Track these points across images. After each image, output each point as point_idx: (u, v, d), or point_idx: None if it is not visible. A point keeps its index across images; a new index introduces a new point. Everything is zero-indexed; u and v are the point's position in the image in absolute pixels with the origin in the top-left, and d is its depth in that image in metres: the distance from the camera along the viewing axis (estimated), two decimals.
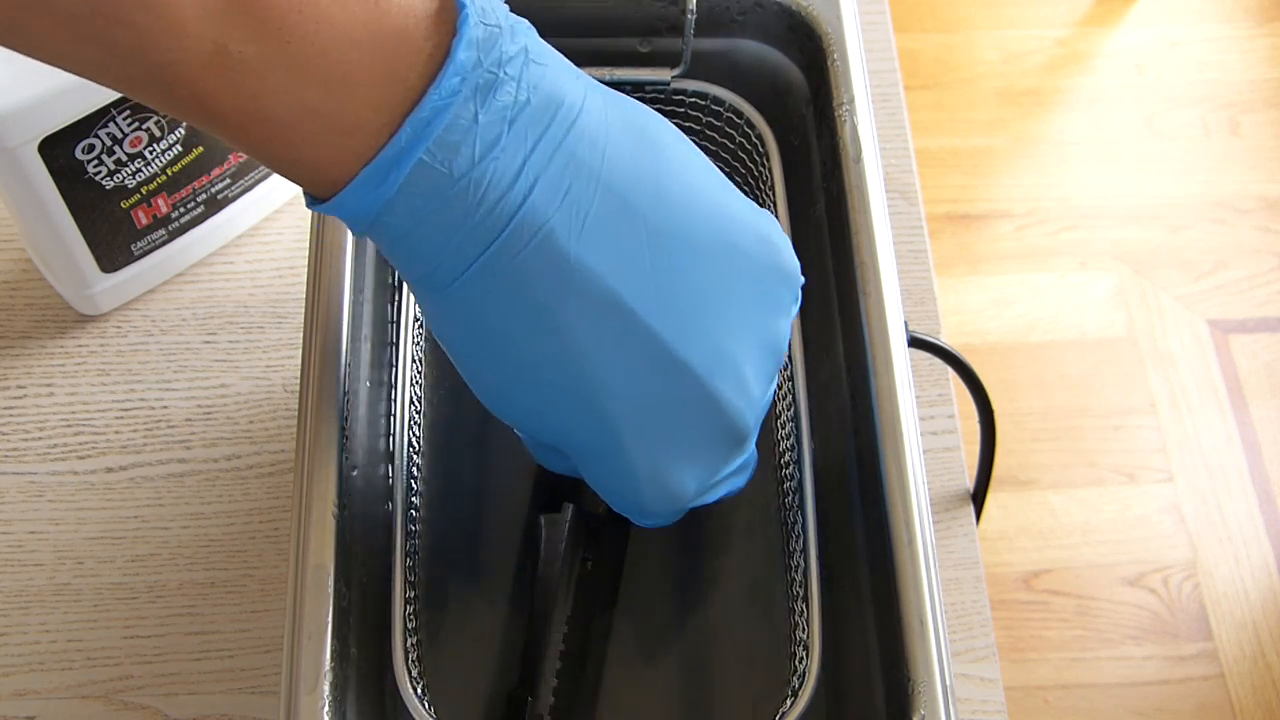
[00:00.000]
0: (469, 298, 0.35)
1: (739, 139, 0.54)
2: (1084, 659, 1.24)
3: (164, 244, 0.58)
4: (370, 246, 0.47)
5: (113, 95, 0.50)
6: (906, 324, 0.45)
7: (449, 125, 0.32)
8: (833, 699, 0.46)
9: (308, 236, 0.46)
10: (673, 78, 0.52)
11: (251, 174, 0.59)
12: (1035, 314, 1.43)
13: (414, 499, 0.47)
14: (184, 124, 0.54)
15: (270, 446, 0.57)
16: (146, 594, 0.54)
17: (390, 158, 0.32)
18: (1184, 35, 1.64)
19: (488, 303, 0.35)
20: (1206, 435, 1.36)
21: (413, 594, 0.45)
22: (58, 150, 0.51)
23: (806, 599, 0.45)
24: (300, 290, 0.60)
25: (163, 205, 0.57)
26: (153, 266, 0.59)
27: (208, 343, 0.59)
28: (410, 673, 0.42)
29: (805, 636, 0.44)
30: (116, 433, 0.57)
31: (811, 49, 0.51)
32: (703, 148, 0.51)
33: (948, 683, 0.39)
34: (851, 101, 0.48)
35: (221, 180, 0.58)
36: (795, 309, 0.40)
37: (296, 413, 0.42)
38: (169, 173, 0.55)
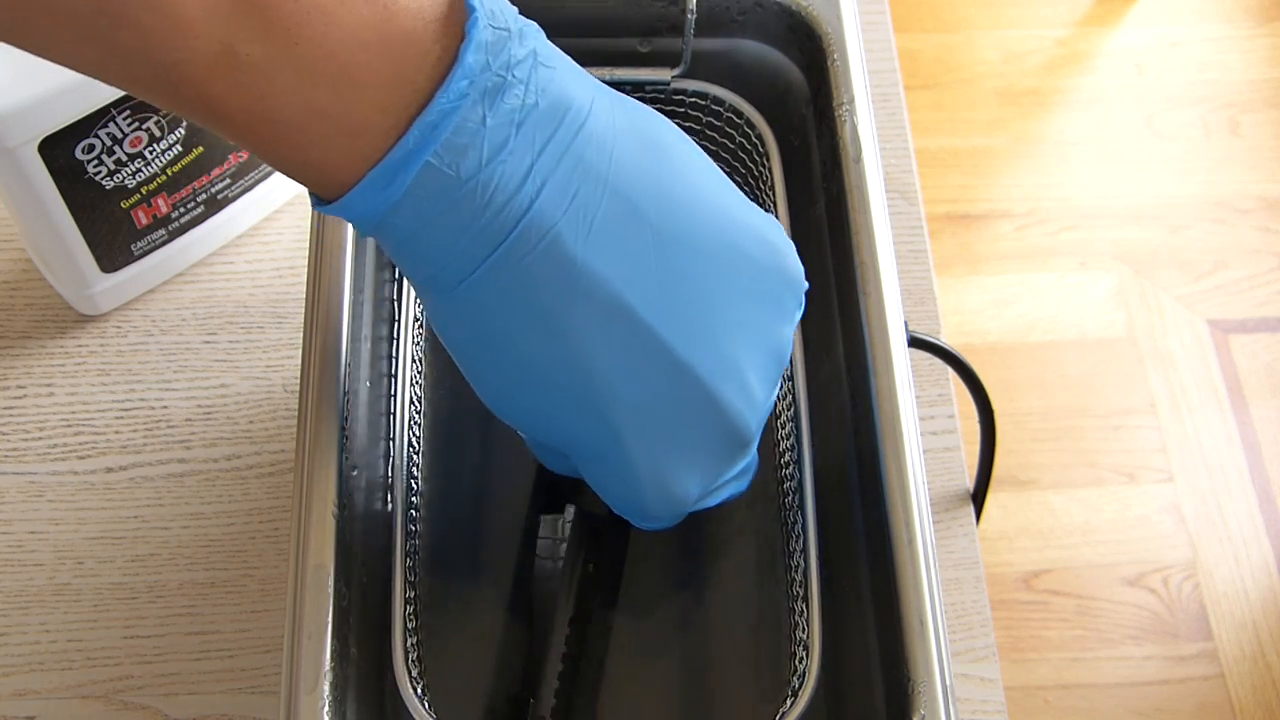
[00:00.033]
0: (474, 300, 0.35)
1: (739, 139, 0.54)
2: (1084, 659, 1.24)
3: (164, 244, 0.58)
4: (370, 246, 0.47)
5: (113, 95, 0.50)
6: (906, 324, 0.45)
7: (457, 128, 0.32)
8: (833, 699, 0.46)
9: (308, 236, 0.46)
10: (673, 78, 0.52)
11: (251, 174, 0.59)
12: (1035, 314, 1.43)
13: (414, 499, 0.47)
14: (184, 124, 0.54)
15: (270, 446, 0.57)
16: (146, 594, 0.54)
17: (397, 160, 0.32)
18: (1184, 35, 1.64)
19: (493, 305, 0.35)
20: (1206, 435, 1.36)
21: (413, 594, 0.45)
22: (58, 150, 0.51)
23: (806, 599, 0.45)
24: (300, 290, 0.60)
25: (163, 205, 0.57)
26: (153, 266, 0.59)
27: (208, 343, 0.59)
28: (410, 673, 0.42)
29: (805, 636, 0.44)
30: (116, 433, 0.57)
31: (811, 49, 0.51)
32: (703, 148, 0.51)
33: (948, 683, 0.39)
34: (851, 101, 0.48)
35: (221, 180, 0.58)
36: (799, 314, 0.40)
37: (296, 413, 0.42)
38: (169, 173, 0.55)
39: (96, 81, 0.49)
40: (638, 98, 0.47)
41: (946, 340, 0.54)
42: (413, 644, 0.44)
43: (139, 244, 0.57)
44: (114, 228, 0.56)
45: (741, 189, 0.51)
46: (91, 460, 0.56)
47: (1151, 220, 1.49)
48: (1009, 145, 1.55)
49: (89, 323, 0.59)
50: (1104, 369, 1.39)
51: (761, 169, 0.53)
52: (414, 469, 0.48)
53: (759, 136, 0.53)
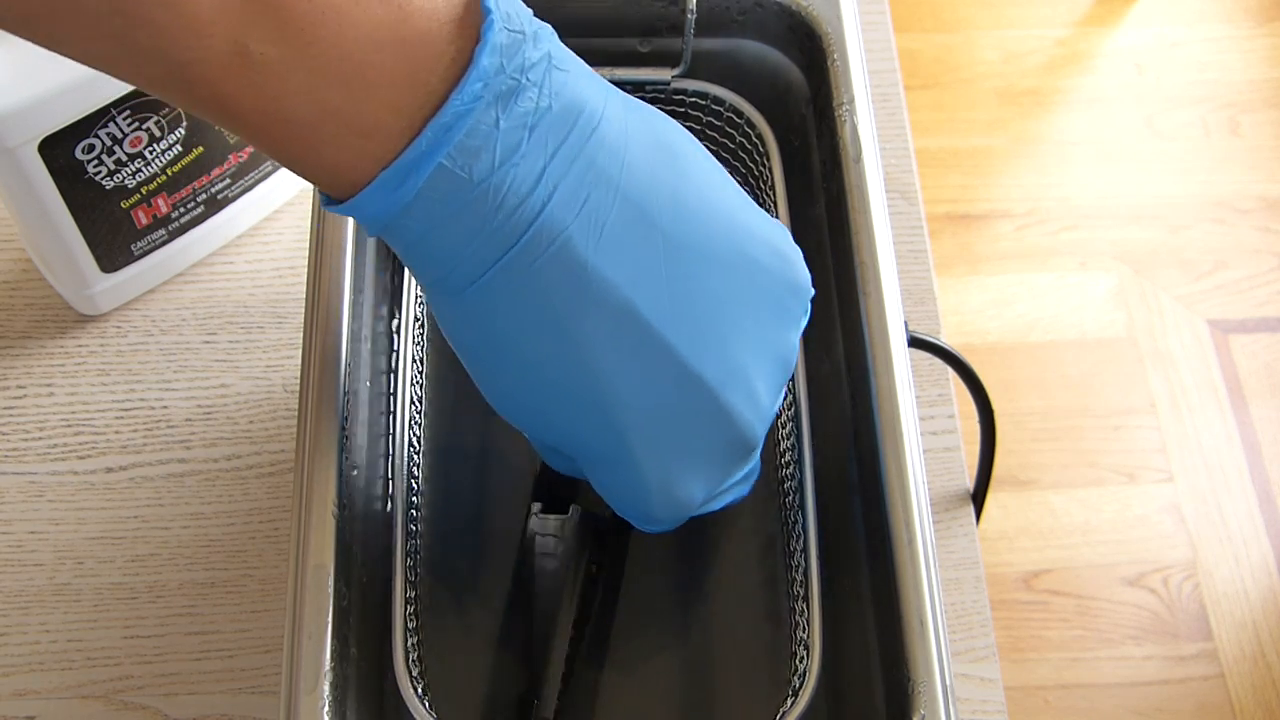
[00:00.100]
0: (484, 303, 0.35)
1: (739, 139, 0.54)
2: (1084, 659, 1.24)
3: (164, 244, 0.58)
4: (370, 246, 0.47)
5: (113, 95, 0.50)
6: (906, 324, 0.45)
7: (470, 130, 0.32)
8: (833, 699, 0.46)
9: (308, 236, 0.46)
10: (673, 78, 0.52)
11: (251, 174, 0.59)
12: (1035, 314, 1.43)
13: (414, 499, 0.47)
14: (184, 124, 0.54)
15: (270, 446, 0.57)
16: (146, 594, 0.54)
17: (410, 161, 0.32)
18: (1184, 35, 1.64)
19: (502, 309, 0.35)
20: (1206, 435, 1.36)
21: (413, 594, 0.45)
22: (58, 150, 0.51)
23: (806, 599, 0.45)
24: (300, 290, 0.60)
25: (163, 205, 0.57)
26: (153, 266, 0.59)
27: (208, 343, 0.59)
28: (410, 673, 0.42)
29: (805, 636, 0.44)
30: (116, 433, 0.57)
31: (811, 49, 0.51)
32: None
33: (948, 683, 0.39)
34: (851, 101, 0.48)
35: (221, 180, 0.58)
36: (805, 321, 0.40)
37: (296, 413, 0.42)
38: (169, 173, 0.55)
39: (96, 81, 0.49)
40: (637, 98, 0.48)
41: (946, 340, 0.54)
42: (413, 644, 0.44)
43: (139, 244, 0.57)
44: (114, 228, 0.56)
45: (741, 188, 0.51)
46: (91, 460, 0.56)
47: (1151, 220, 1.49)
48: (1009, 145, 1.55)
49: (89, 323, 0.59)
50: (1104, 369, 1.39)
51: (761, 169, 0.53)
52: (414, 469, 0.48)
53: (759, 136, 0.53)
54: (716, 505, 0.41)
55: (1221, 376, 1.39)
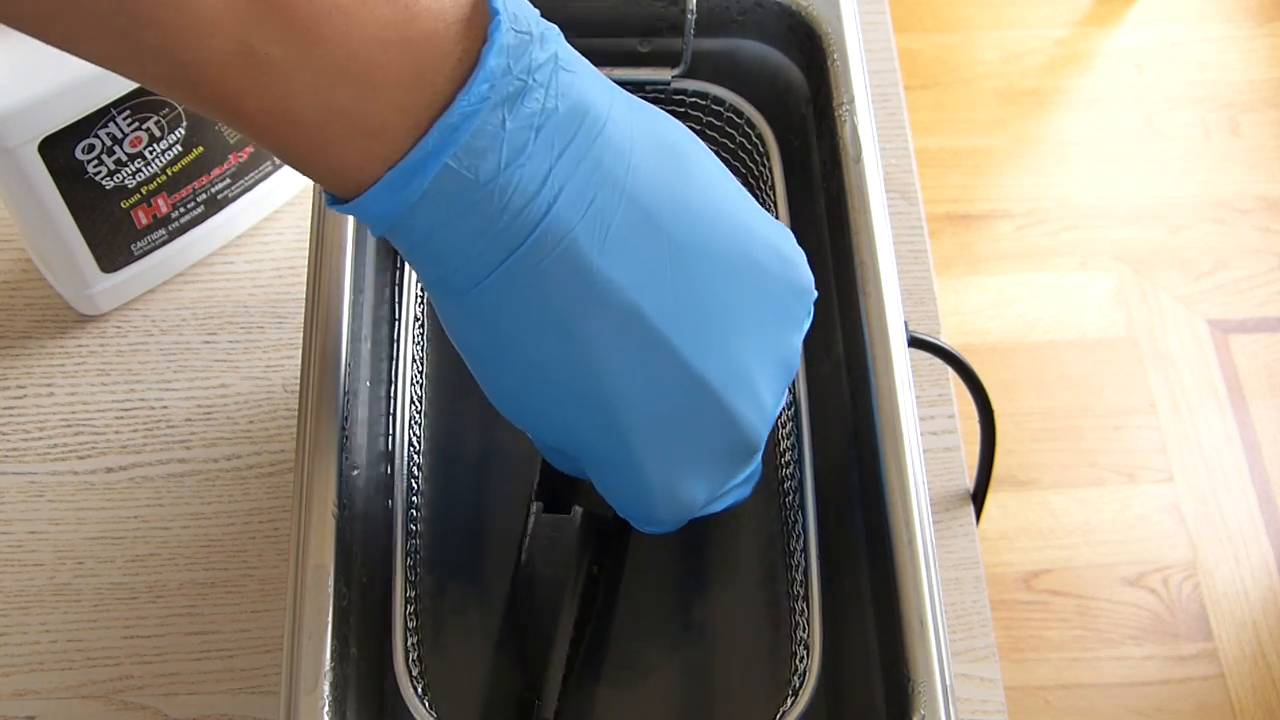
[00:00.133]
0: (488, 304, 0.35)
1: (739, 139, 0.54)
2: (1084, 659, 1.24)
3: (164, 244, 0.58)
4: (370, 247, 0.47)
5: (113, 95, 0.50)
6: (906, 324, 0.45)
7: (476, 131, 0.32)
8: (833, 699, 0.46)
9: (308, 236, 0.46)
10: (673, 78, 0.52)
11: (251, 174, 0.59)
12: (1035, 314, 1.43)
13: (414, 499, 0.47)
14: (184, 124, 0.54)
15: (270, 446, 0.57)
16: (146, 594, 0.54)
17: (416, 161, 0.32)
18: (1184, 35, 1.64)
19: (507, 310, 0.35)
20: (1206, 435, 1.36)
21: (413, 594, 0.45)
22: (58, 150, 0.51)
23: (807, 599, 0.45)
24: (300, 290, 0.60)
25: (163, 205, 0.57)
26: (153, 266, 0.59)
27: (208, 343, 0.59)
28: (410, 672, 0.42)
29: (805, 636, 0.44)
30: (116, 433, 0.57)
31: (811, 49, 0.51)
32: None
33: (948, 683, 0.39)
34: (851, 101, 0.48)
35: (221, 180, 0.58)
36: (808, 324, 0.40)
37: (296, 413, 0.42)
38: (169, 173, 0.55)
39: (96, 81, 0.49)
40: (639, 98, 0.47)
41: (946, 340, 0.54)
42: (413, 644, 0.44)
43: (139, 244, 0.57)
44: (114, 228, 0.56)
45: (745, 190, 0.51)
46: (91, 460, 0.56)
47: (1151, 220, 1.49)
48: (1009, 145, 1.55)
49: (89, 323, 0.59)
50: (1104, 369, 1.39)
51: (761, 169, 0.53)
52: (414, 469, 0.48)
53: (759, 136, 0.53)
54: (718, 507, 0.41)
55: (1221, 376, 1.39)
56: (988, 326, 1.42)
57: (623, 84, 0.51)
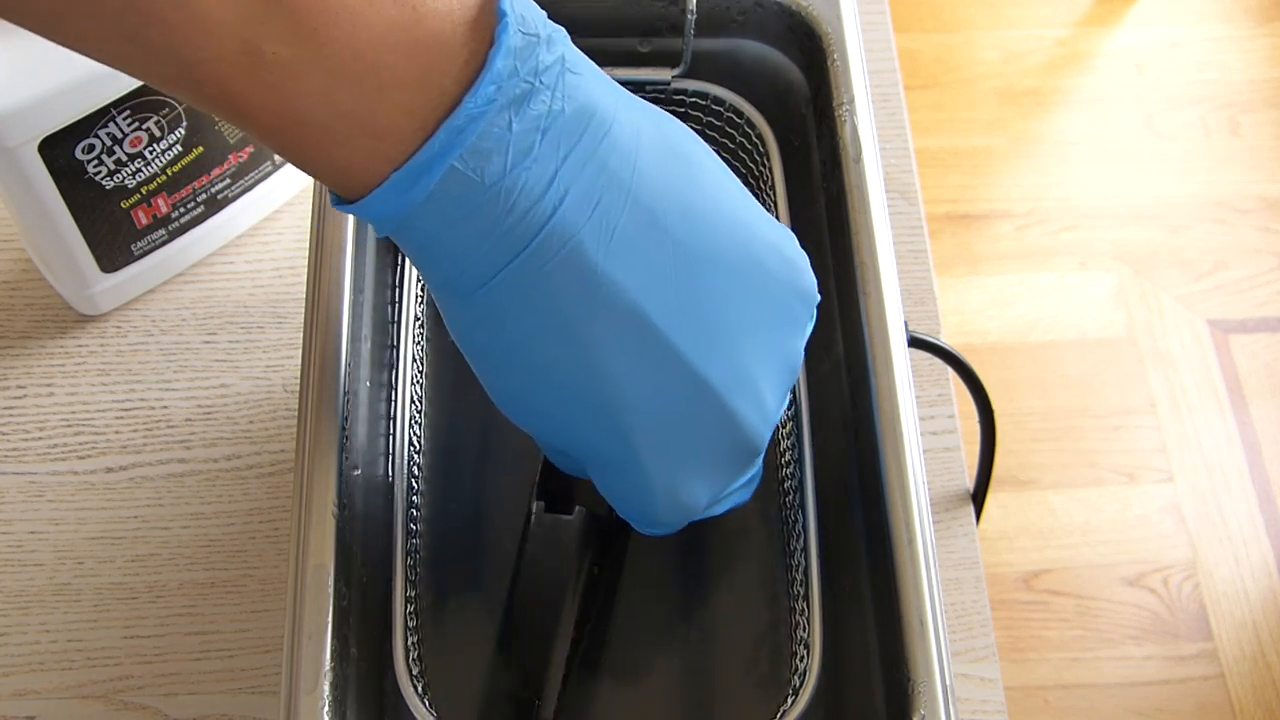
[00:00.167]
0: (493, 305, 0.35)
1: (739, 139, 0.54)
2: (1084, 659, 1.24)
3: (164, 244, 0.58)
4: (370, 247, 0.47)
5: (113, 95, 0.50)
6: (906, 324, 0.45)
7: (483, 133, 0.32)
8: (833, 699, 0.46)
9: (308, 236, 0.46)
10: (673, 78, 0.52)
11: (251, 174, 0.59)
12: (1035, 314, 1.43)
13: (415, 498, 0.47)
14: (184, 124, 0.54)
15: (270, 446, 0.57)
16: (146, 594, 0.54)
17: (422, 163, 0.32)
18: (1184, 35, 1.64)
19: (512, 311, 0.35)
20: (1206, 435, 1.36)
21: (413, 594, 0.45)
22: (58, 150, 0.51)
23: (807, 599, 0.45)
24: (300, 290, 0.60)
25: (163, 205, 0.57)
26: (153, 266, 0.59)
27: (208, 343, 0.59)
28: (410, 672, 0.42)
29: (805, 636, 0.44)
30: (116, 433, 0.57)
31: (811, 49, 0.51)
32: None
33: (948, 683, 0.39)
34: (851, 101, 0.48)
35: (221, 180, 0.58)
36: (810, 327, 0.40)
37: (296, 413, 0.42)
38: (169, 173, 0.55)
39: (96, 81, 0.49)
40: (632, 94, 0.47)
41: (946, 340, 0.54)
42: (413, 644, 0.44)
43: (139, 244, 0.57)
44: (114, 228, 0.56)
45: (749, 193, 0.51)
46: (91, 460, 0.56)
47: (1151, 220, 1.50)
48: (1009, 145, 1.55)
49: (89, 323, 0.59)
50: (1104, 369, 1.39)
51: (761, 169, 0.53)
52: (414, 469, 0.48)
53: (759, 136, 0.53)
54: (719, 510, 0.41)
55: (1221, 376, 1.39)
56: (988, 326, 1.42)
57: (623, 84, 0.51)
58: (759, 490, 0.50)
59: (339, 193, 0.34)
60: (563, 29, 0.34)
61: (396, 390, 0.48)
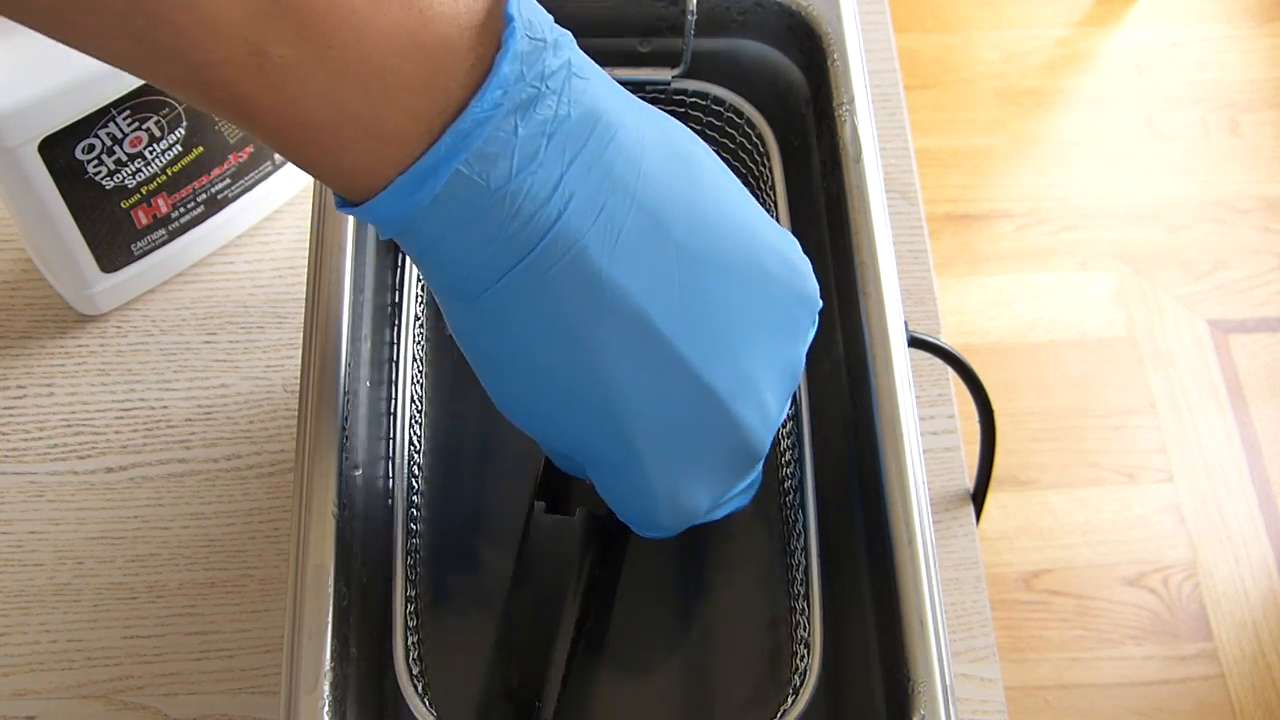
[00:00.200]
0: (497, 309, 0.35)
1: (739, 139, 0.54)
2: (1084, 659, 1.24)
3: (164, 244, 0.58)
4: (370, 247, 0.47)
5: (113, 95, 0.50)
6: (906, 324, 0.45)
7: (489, 138, 0.32)
8: (833, 699, 0.46)
9: (308, 236, 0.46)
10: (673, 78, 0.52)
11: (251, 174, 0.59)
12: (1035, 314, 1.43)
13: (415, 498, 0.47)
14: (184, 124, 0.54)
15: (270, 446, 0.57)
16: (146, 594, 0.54)
17: (428, 167, 0.32)
18: (1184, 35, 1.64)
19: (516, 315, 0.35)
20: (1206, 435, 1.36)
21: (413, 594, 0.45)
22: (58, 150, 0.51)
23: (807, 599, 0.45)
24: (300, 290, 0.60)
25: (163, 205, 0.57)
26: (153, 266, 0.59)
27: (208, 343, 0.59)
28: (410, 672, 0.42)
29: (805, 636, 0.44)
30: (116, 433, 0.57)
31: (811, 49, 0.51)
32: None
33: (948, 683, 0.39)
34: (851, 101, 0.48)
35: (221, 180, 0.58)
36: (813, 333, 0.40)
37: (296, 413, 0.42)
38: (169, 173, 0.55)
39: (96, 81, 0.49)
40: (637, 97, 0.47)
41: (946, 340, 0.54)
42: (413, 644, 0.44)
43: (139, 244, 0.57)
44: (114, 228, 0.56)
45: (753, 197, 0.51)
46: (91, 460, 0.56)
47: (1151, 220, 1.49)
48: (1009, 145, 1.55)
49: (89, 323, 0.59)
50: (1104, 369, 1.39)
51: (761, 169, 0.53)
52: (414, 469, 0.48)
53: (759, 136, 0.53)
54: (719, 515, 0.41)
55: (1221, 376, 1.39)
56: (988, 326, 1.42)
57: (622, 84, 0.51)
58: (759, 490, 0.50)
59: (344, 195, 0.34)
60: (569, 33, 0.34)
61: (396, 390, 0.48)
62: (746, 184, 0.54)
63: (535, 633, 0.46)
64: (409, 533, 0.45)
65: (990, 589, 1.21)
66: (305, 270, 0.45)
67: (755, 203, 0.39)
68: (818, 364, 0.49)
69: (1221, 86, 1.60)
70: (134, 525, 0.55)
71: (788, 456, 0.49)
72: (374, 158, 0.32)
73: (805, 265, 0.40)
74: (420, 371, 0.51)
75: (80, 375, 0.58)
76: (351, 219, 0.45)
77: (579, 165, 0.33)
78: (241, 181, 0.59)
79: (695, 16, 0.50)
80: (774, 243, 0.38)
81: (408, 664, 0.43)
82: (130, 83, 0.50)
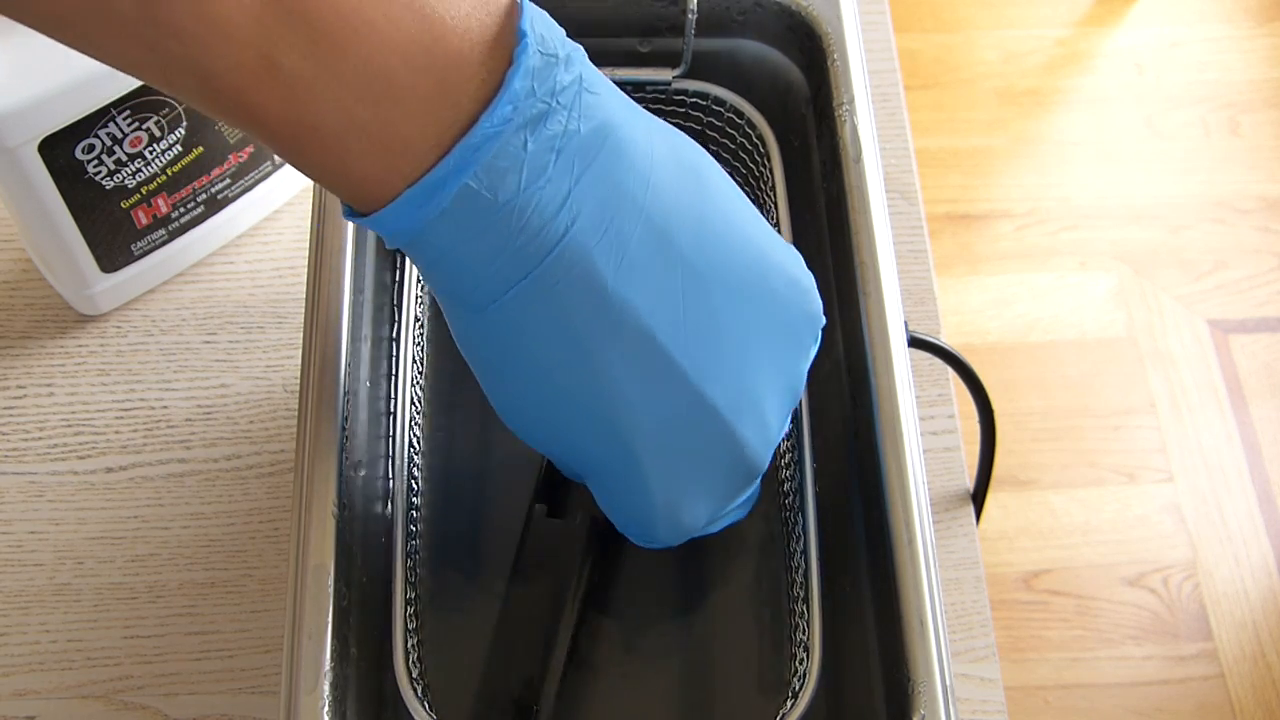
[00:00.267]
0: (503, 321, 0.35)
1: (739, 139, 0.54)
2: (1084, 659, 1.24)
3: (164, 244, 0.58)
4: (370, 247, 0.47)
5: (113, 95, 0.50)
6: (906, 324, 0.45)
7: (498, 152, 0.32)
8: (833, 699, 0.46)
9: (308, 236, 0.46)
10: (673, 78, 0.52)
11: (251, 174, 0.59)
12: (1035, 314, 1.43)
13: (414, 498, 0.47)
14: (184, 124, 0.54)
15: (270, 446, 0.57)
16: (146, 594, 0.54)
17: (437, 180, 0.32)
18: (1184, 35, 1.64)
19: (521, 328, 0.35)
20: (1206, 435, 1.36)
21: (413, 594, 0.45)
22: (58, 150, 0.51)
23: (807, 599, 0.45)
24: (300, 290, 0.60)
25: (163, 205, 0.57)
26: (153, 266, 0.59)
27: (208, 343, 0.59)
28: (410, 673, 0.42)
29: (805, 636, 0.44)
30: (116, 433, 0.57)
31: (811, 49, 0.51)
32: (703, 148, 0.51)
33: (948, 683, 0.39)
34: (851, 101, 0.48)
35: (221, 180, 0.58)
36: (815, 350, 0.40)
37: (296, 413, 0.42)
38: (169, 173, 0.55)
39: (96, 81, 0.49)
40: (638, 98, 0.47)
41: (946, 340, 0.54)
42: (413, 644, 0.44)
43: (139, 244, 0.57)
44: (114, 228, 0.56)
45: (742, 189, 0.51)
46: (91, 460, 0.56)
47: (1151, 220, 1.49)
48: (1009, 145, 1.55)
49: (89, 323, 0.59)
50: (1104, 369, 1.39)
51: (761, 169, 0.53)
52: (414, 469, 0.48)
53: (759, 136, 0.53)
54: (715, 528, 0.42)
55: (1221, 376, 1.39)
56: (988, 326, 1.42)
57: (623, 84, 0.51)
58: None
59: (352, 204, 0.34)
60: (581, 48, 0.34)
61: (396, 390, 0.48)
62: (746, 184, 0.54)
63: (535, 634, 0.46)
64: (409, 533, 0.45)
65: (990, 589, 1.21)
66: (305, 270, 0.45)
67: (763, 219, 0.39)
68: (818, 364, 0.49)
69: (1221, 86, 1.60)
70: (134, 525, 0.55)
71: (788, 458, 0.49)
72: (383, 169, 0.32)
73: (810, 283, 0.40)
74: (420, 372, 0.51)
75: (80, 375, 0.58)
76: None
77: (588, 180, 0.33)
78: (241, 181, 0.59)
79: (695, 16, 0.50)
80: (780, 259, 0.38)
81: (407, 665, 0.43)
82: (130, 83, 0.50)
